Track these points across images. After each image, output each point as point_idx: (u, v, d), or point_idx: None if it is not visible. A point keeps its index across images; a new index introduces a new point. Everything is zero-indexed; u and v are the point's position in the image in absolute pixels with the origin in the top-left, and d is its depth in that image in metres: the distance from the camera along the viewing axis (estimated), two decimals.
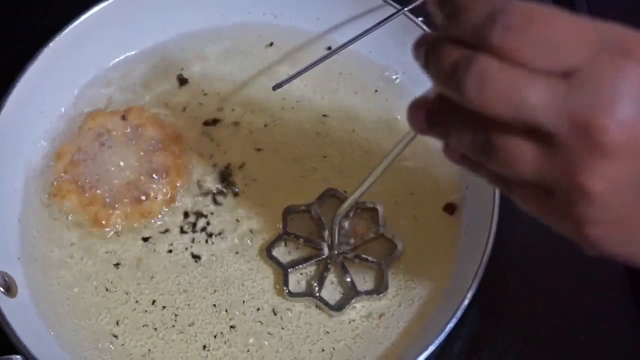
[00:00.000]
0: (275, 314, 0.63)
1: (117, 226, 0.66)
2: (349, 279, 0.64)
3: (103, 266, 0.66)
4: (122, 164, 0.67)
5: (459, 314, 0.58)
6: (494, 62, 0.34)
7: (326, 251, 0.65)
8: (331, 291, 0.64)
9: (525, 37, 0.34)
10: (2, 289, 0.61)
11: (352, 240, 0.66)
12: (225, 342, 0.63)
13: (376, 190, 0.63)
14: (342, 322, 0.63)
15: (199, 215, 0.68)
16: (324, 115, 0.73)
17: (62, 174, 0.67)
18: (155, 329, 0.63)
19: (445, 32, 0.37)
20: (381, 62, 0.75)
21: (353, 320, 0.63)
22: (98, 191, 0.66)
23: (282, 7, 0.77)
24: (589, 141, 0.34)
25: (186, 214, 0.68)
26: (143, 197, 0.66)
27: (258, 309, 0.64)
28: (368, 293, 0.63)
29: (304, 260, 0.65)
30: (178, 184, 0.68)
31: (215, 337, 0.63)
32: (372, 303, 0.64)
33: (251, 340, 0.62)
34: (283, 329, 0.63)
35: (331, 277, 0.65)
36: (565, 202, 0.37)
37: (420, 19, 0.71)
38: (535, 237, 0.68)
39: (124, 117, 0.69)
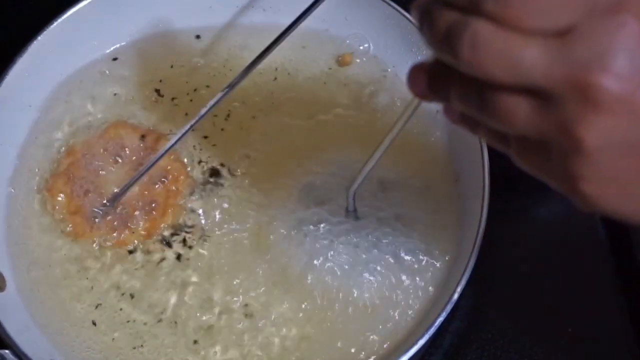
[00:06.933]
0: (265, 309, 0.63)
1: (94, 245, 0.65)
2: None
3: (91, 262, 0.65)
4: (119, 183, 0.65)
5: (448, 308, 0.58)
6: (487, 25, 0.34)
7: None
8: None
9: (518, 0, 0.34)
10: None
11: None
12: (215, 335, 0.62)
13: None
14: (333, 314, 0.63)
15: (190, 211, 0.68)
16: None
17: (62, 169, 0.65)
18: (145, 323, 0.63)
19: None
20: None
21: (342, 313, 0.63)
22: (85, 202, 0.64)
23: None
24: (584, 97, 0.34)
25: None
26: (122, 226, 0.64)
27: (246, 305, 0.64)
28: None
29: None
30: (162, 225, 0.66)
31: (205, 330, 0.63)
32: (362, 295, 0.64)
33: (242, 334, 0.62)
34: (273, 321, 0.63)
35: None
36: (560, 158, 0.37)
37: None
38: (525, 232, 0.69)
39: (143, 137, 0.68)
